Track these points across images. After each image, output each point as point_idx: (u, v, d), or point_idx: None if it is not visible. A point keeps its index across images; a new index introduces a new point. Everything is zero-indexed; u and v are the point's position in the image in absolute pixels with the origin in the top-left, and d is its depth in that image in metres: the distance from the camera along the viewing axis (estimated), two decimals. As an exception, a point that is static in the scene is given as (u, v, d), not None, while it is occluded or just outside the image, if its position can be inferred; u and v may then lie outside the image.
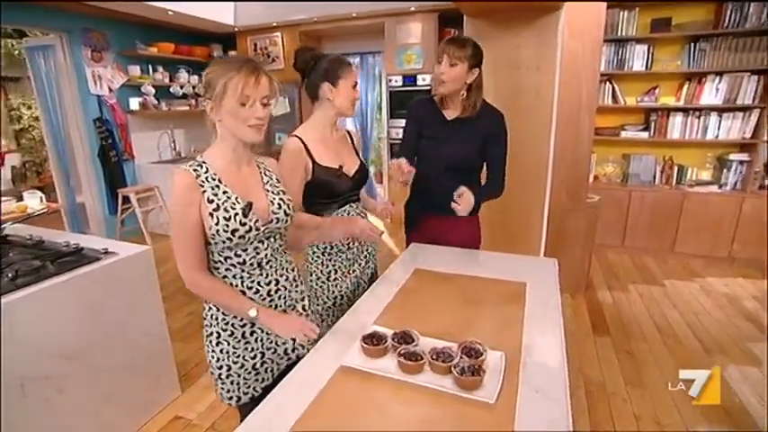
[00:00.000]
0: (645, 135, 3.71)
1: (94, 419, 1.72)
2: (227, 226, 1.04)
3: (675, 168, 3.75)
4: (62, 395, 1.59)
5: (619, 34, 3.57)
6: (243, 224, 1.06)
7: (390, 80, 4.35)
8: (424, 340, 1.06)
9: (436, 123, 1.72)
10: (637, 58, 3.57)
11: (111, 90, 4.12)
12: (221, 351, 1.17)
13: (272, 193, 1.17)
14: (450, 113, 1.71)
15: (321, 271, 1.54)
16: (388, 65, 4.33)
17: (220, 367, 1.18)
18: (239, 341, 1.17)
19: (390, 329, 1.09)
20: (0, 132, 6.46)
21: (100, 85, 4.04)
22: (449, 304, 1.33)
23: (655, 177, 3.77)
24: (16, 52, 5.84)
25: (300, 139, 1.41)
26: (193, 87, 4.94)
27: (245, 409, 1.06)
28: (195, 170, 1.06)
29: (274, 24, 4.71)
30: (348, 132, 1.62)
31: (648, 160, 3.75)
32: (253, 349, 1.19)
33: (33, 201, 3.49)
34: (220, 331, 1.16)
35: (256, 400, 1.10)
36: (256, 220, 1.09)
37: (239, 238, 1.06)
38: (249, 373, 1.20)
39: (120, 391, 1.81)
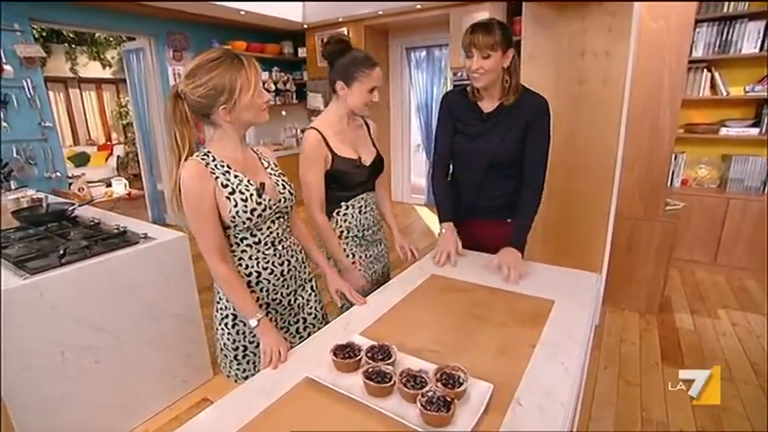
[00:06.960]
0: (754, 132, 3.07)
1: (127, 392, 1.85)
2: (246, 207, 1.08)
3: (795, 174, 3.06)
4: (98, 366, 1.72)
5: (724, 11, 2.99)
6: (259, 203, 1.11)
7: (456, 73, 4.16)
8: (403, 358, 0.93)
9: (472, 118, 1.53)
10: (748, 39, 2.95)
11: (188, 86, 4.47)
12: (237, 332, 1.20)
13: (275, 175, 1.22)
14: (487, 105, 1.51)
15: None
16: (454, 58, 4.13)
17: (236, 348, 1.21)
18: None
19: (374, 341, 0.98)
20: (110, 128, 7.46)
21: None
22: (450, 318, 1.17)
23: (765, 184, 3.10)
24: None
25: (319, 131, 1.42)
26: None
27: None
28: (203, 159, 1.08)
29: (340, 20, 4.76)
30: (365, 122, 1.60)
31: (757, 163, 3.09)
32: None
33: (119, 187, 3.96)
34: (237, 313, 1.18)
35: None
36: (269, 199, 1.14)
37: (258, 217, 1.11)
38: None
39: (151, 367, 1.91)
